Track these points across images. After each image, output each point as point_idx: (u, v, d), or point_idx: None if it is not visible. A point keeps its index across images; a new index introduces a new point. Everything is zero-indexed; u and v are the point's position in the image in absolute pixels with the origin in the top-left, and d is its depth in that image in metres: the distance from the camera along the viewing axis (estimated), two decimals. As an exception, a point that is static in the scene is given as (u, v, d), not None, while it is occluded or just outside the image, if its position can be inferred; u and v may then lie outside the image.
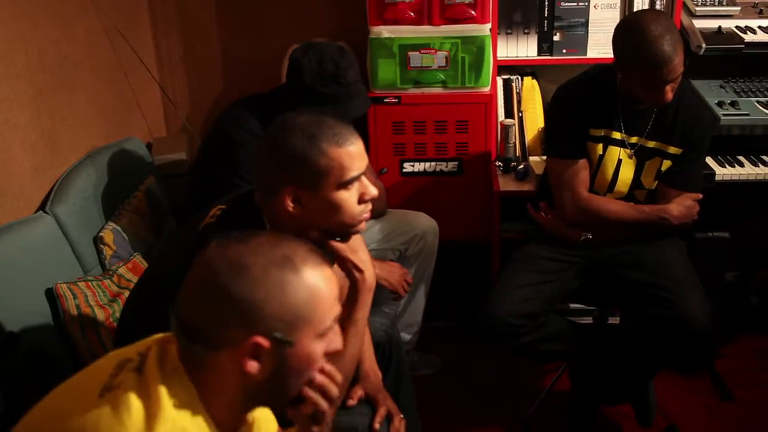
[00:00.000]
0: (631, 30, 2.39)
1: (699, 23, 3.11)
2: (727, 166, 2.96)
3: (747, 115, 2.97)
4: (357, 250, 1.88)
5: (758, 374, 3.21)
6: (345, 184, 1.72)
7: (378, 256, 2.78)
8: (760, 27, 3.12)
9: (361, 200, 1.77)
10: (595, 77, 2.58)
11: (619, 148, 2.57)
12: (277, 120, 1.78)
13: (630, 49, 2.38)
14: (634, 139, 2.56)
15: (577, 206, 2.59)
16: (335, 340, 1.32)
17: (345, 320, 1.81)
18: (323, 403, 1.38)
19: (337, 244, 1.83)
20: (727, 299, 3.35)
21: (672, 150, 2.56)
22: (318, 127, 1.71)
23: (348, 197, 1.74)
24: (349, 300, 1.88)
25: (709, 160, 2.94)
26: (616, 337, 2.87)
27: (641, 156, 2.57)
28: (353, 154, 1.72)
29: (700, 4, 3.17)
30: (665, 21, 2.37)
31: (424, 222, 2.97)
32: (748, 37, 3.04)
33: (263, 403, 1.34)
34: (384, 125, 3.15)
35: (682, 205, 2.57)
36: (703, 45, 2.98)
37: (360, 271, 1.87)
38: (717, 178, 2.92)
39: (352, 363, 1.88)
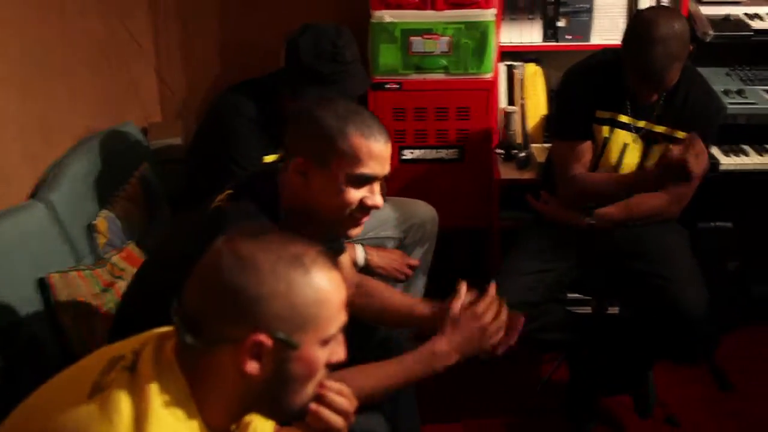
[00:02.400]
0: (634, 29, 2.38)
1: (706, 10, 3.07)
2: (731, 155, 2.92)
3: (753, 103, 2.93)
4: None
5: (758, 364, 3.20)
6: (354, 178, 1.67)
7: (376, 244, 2.76)
8: (768, 14, 3.07)
9: (362, 204, 1.71)
10: (604, 60, 2.56)
11: (625, 132, 2.55)
12: (318, 97, 1.80)
13: (629, 49, 2.38)
14: (641, 123, 2.54)
15: (572, 186, 2.57)
16: (338, 351, 1.27)
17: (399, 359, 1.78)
18: (337, 420, 1.37)
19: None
20: (728, 289, 3.33)
21: (680, 135, 2.52)
22: (354, 113, 1.69)
23: (350, 192, 1.68)
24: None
25: (713, 150, 2.90)
26: (615, 326, 2.85)
27: (648, 140, 2.55)
28: (374, 151, 1.67)
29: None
30: (673, 26, 2.30)
31: (423, 210, 2.93)
32: (756, 24, 3.00)
33: (259, 408, 1.29)
34: (384, 111, 3.09)
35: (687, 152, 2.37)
36: (711, 32, 2.93)
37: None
38: (721, 167, 2.89)
39: (376, 389, 1.77)
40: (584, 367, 2.73)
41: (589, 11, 3.10)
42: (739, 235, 3.09)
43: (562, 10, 3.10)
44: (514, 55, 3.26)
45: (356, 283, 2.12)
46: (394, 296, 2.14)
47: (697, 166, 2.30)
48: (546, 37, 3.16)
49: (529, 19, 3.13)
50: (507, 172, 3.11)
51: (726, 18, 3.01)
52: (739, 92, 2.96)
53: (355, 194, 1.69)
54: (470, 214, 3.26)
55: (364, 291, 2.11)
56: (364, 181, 1.69)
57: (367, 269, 2.63)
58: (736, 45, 3.05)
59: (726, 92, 2.96)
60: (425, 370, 1.78)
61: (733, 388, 3.03)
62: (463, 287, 1.88)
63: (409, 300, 2.15)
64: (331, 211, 1.70)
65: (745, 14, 3.05)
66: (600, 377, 2.73)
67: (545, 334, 2.57)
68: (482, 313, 1.82)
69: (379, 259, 2.66)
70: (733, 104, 2.90)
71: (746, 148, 2.95)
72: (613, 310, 3.10)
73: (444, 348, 1.78)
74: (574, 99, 2.61)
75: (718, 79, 3.04)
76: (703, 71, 3.03)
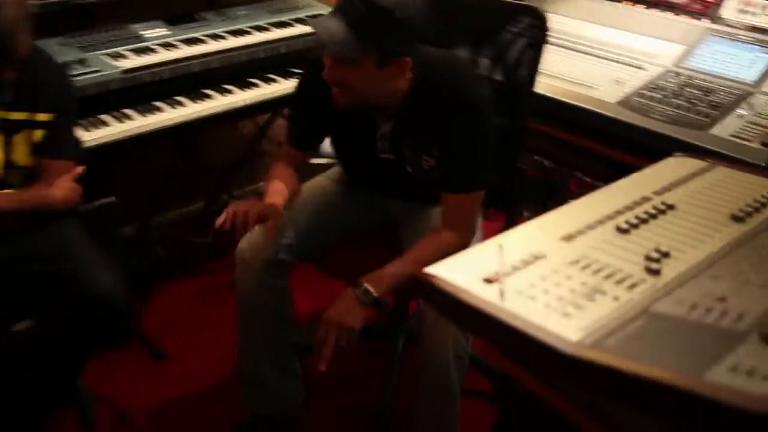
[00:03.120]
0: None
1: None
2: (92, 129, 2.68)
3: (99, 71, 2.70)
4: None
5: (178, 321, 3.18)
6: None
7: None
8: (83, -28, 2.85)
9: None
10: None
11: None
12: None
13: None
14: None
15: None
16: None
17: None
18: None
19: None
20: (136, 259, 3.27)
21: (41, 117, 2.26)
22: None
23: None
24: None
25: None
26: (31, 342, 2.53)
27: (8, 131, 2.24)
28: None
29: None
30: None
31: None
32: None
33: None
34: None
35: (64, 188, 2.31)
36: (34, 2, 2.63)
37: None
38: (87, 144, 2.62)
39: None
40: (12, 399, 2.41)
41: None
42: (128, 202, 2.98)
43: None
44: None
45: None
46: None
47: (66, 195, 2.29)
48: None
49: None
50: None
51: (41, -17, 2.73)
52: (82, 62, 2.71)
53: None
54: None
55: None
56: None
57: None
58: (63, 11, 2.79)
59: (68, 64, 2.69)
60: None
61: (167, 354, 2.98)
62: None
63: None
64: None
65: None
66: (32, 401, 2.44)
67: None
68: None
69: None
70: (79, 76, 2.65)
71: (105, 118, 2.74)
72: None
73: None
74: None
75: (55, 51, 2.74)
76: (39, 44, 2.79)
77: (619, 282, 1.31)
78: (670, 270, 1.35)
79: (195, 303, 3.32)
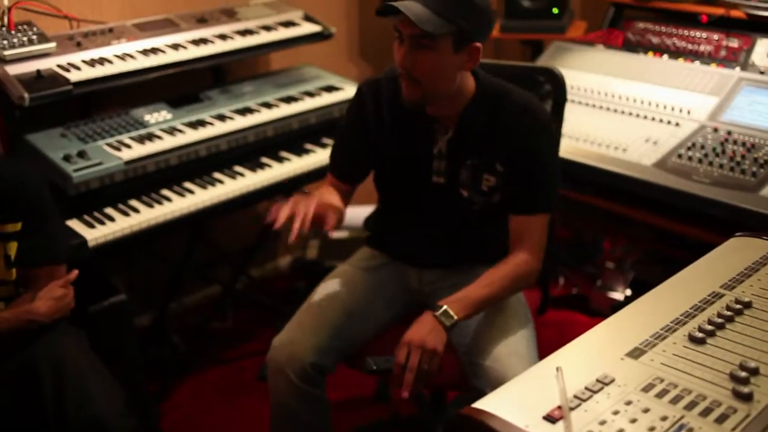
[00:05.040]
0: None
1: (14, 70, 2.58)
2: (98, 225, 2.51)
3: (100, 163, 2.55)
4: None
5: (206, 418, 2.96)
6: None
7: None
8: (83, 61, 2.70)
9: None
10: None
11: None
12: None
13: None
14: None
15: None
16: None
17: None
18: None
19: None
20: (152, 351, 3.11)
21: (10, 228, 2.10)
22: None
23: None
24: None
25: (76, 225, 2.49)
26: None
27: None
28: None
29: (8, 47, 2.62)
30: None
31: None
32: (73, 75, 2.61)
33: None
34: None
35: (50, 299, 2.11)
36: (26, 95, 2.47)
37: None
38: (92, 243, 2.46)
39: None
40: None
41: None
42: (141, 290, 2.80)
43: None
44: None
45: None
46: None
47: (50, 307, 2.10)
48: None
49: None
50: None
51: (38, 75, 2.58)
52: (81, 154, 2.55)
53: None
54: None
55: None
56: None
57: None
58: (60, 102, 2.63)
59: (67, 158, 2.53)
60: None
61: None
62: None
63: None
64: None
65: (59, 66, 2.65)
66: None
67: None
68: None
69: None
70: (79, 170, 2.49)
71: (110, 212, 2.58)
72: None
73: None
74: None
75: (55, 144, 2.60)
76: (37, 138, 2.64)
77: (706, 413, 1.12)
78: (762, 393, 1.16)
79: (219, 396, 3.10)
